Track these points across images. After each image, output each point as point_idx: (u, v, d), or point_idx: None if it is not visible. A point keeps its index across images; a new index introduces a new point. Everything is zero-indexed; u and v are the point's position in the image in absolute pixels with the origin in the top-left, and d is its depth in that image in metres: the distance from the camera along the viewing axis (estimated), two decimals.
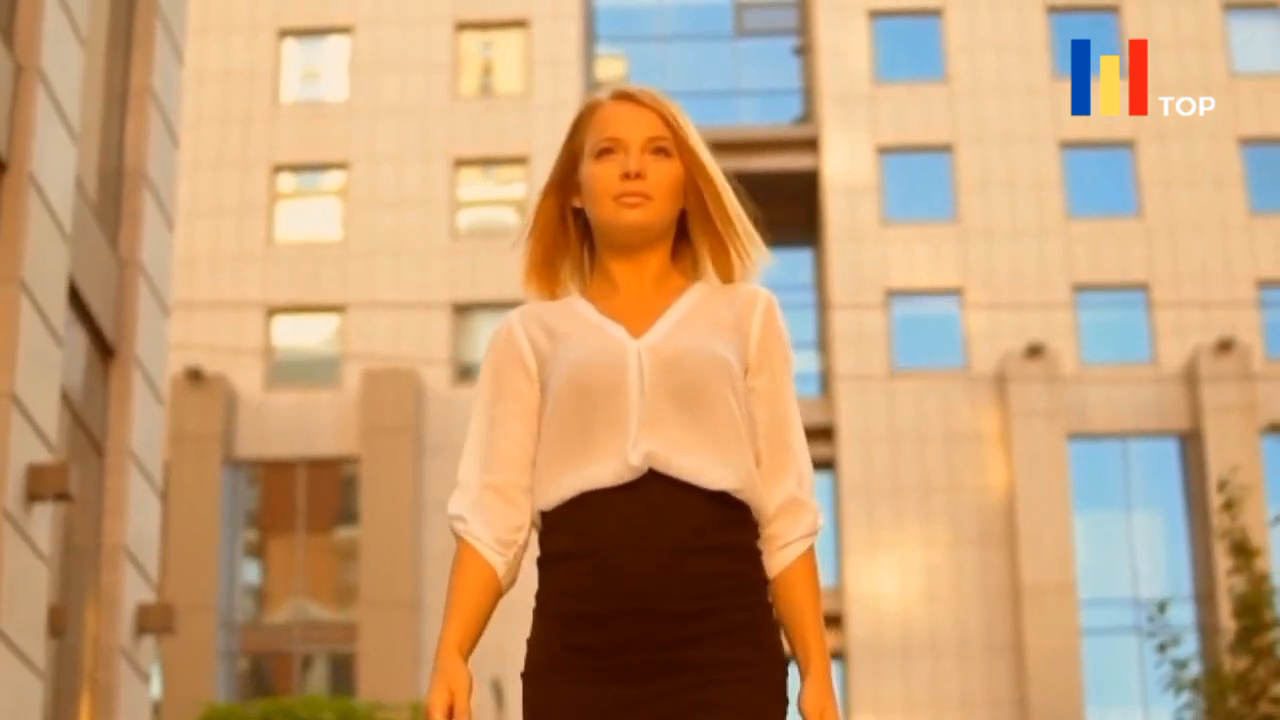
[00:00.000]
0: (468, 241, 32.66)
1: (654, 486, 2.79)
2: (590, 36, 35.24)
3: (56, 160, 11.75)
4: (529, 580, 2.89)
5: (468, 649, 2.80)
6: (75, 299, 12.67)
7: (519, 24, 34.19)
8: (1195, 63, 32.84)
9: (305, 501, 31.73)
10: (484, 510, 2.88)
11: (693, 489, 2.79)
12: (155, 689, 27.34)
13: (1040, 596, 30.04)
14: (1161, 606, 17.42)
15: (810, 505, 2.93)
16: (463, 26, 34.18)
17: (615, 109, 2.98)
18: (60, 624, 12.61)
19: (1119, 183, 32.96)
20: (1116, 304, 32.19)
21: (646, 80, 34.84)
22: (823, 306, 33.07)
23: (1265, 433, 16.49)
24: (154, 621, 13.92)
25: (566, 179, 3.03)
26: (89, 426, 13.33)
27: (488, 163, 33.72)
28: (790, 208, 32.47)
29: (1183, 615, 28.94)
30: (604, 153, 2.95)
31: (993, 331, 31.88)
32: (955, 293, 32.44)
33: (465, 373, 31.99)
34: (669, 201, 2.95)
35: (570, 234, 3.05)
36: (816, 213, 33.27)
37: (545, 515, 2.86)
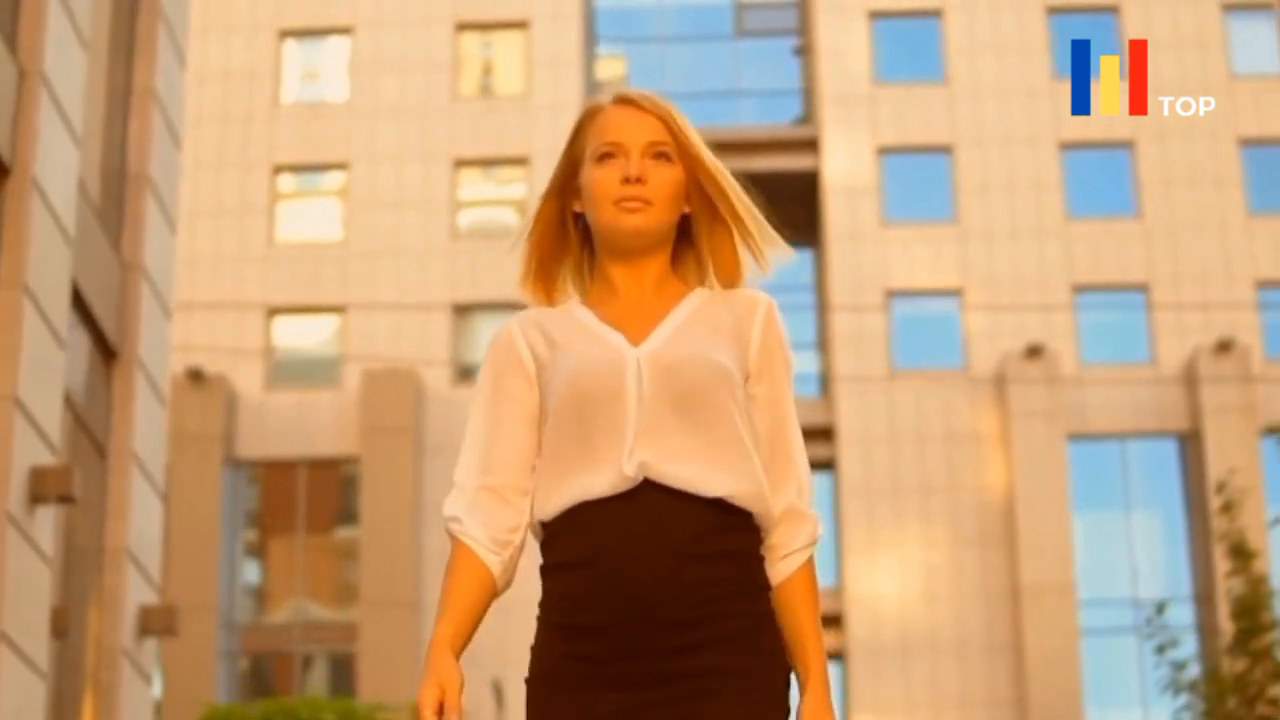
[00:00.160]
0: (468, 242, 32.70)
1: (650, 496, 2.77)
2: (590, 37, 35.27)
3: (59, 164, 11.79)
4: (527, 580, 2.90)
5: (460, 646, 2.79)
6: (78, 301, 12.71)
7: (519, 24, 34.22)
8: (1195, 63, 32.88)
9: (305, 502, 31.77)
10: (480, 511, 2.87)
11: (690, 497, 2.78)
12: (156, 689, 27.38)
13: (1040, 597, 30.08)
14: (1160, 608, 17.45)
15: (810, 515, 2.92)
16: (463, 27, 34.21)
17: (616, 114, 2.98)
18: (63, 625, 12.65)
19: (1118, 184, 32.99)
20: (1116, 305, 32.22)
21: (646, 81, 34.89)
22: (822, 307, 33.11)
23: (1265, 434, 16.47)
24: (156, 623, 13.96)
25: (567, 184, 3.02)
26: (91, 428, 13.37)
27: (488, 163, 33.75)
28: (790, 208, 32.49)
29: (1182, 616, 28.99)
30: (604, 157, 2.94)
31: (992, 332, 31.91)
32: (955, 293, 32.48)
33: (465, 373, 32.02)
34: (669, 207, 2.94)
35: (570, 239, 3.04)
36: (816, 213, 33.30)
37: (545, 525, 2.85)
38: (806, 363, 31.99)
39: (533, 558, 2.91)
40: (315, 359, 32.74)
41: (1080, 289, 32.33)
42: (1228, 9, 33.58)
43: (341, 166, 33.44)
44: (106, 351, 13.63)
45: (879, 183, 33.19)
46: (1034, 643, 29.84)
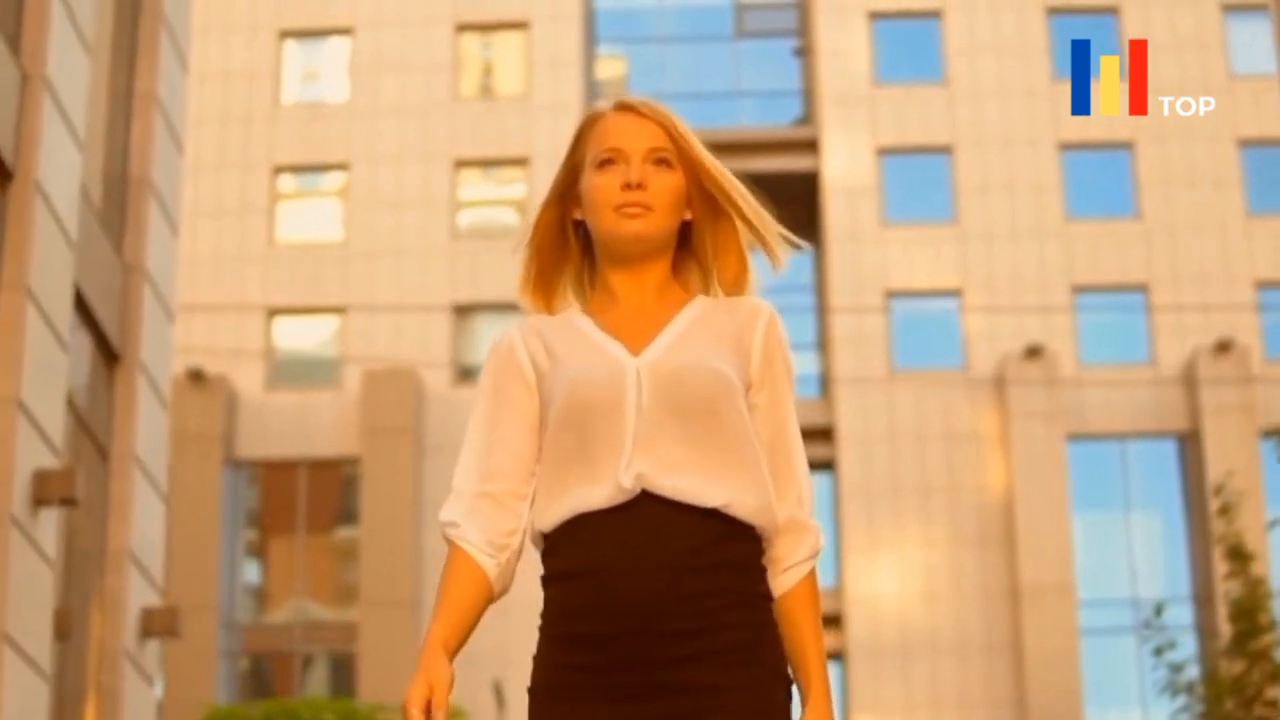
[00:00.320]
0: (468, 242, 32.73)
1: (648, 507, 2.77)
2: (590, 38, 35.30)
3: (62, 168, 11.83)
4: (526, 582, 2.92)
5: (454, 647, 2.78)
6: (80, 305, 12.74)
7: (519, 25, 34.24)
8: (1194, 64, 32.91)
9: (306, 502, 31.80)
10: (477, 516, 2.87)
11: (689, 508, 2.76)
12: (156, 689, 27.40)
13: (1039, 597, 30.12)
14: (1158, 610, 17.48)
15: (812, 526, 2.91)
16: (463, 27, 34.23)
17: (616, 120, 2.97)
18: (65, 627, 12.69)
19: (1118, 184, 33.02)
20: (1115, 305, 32.25)
21: (646, 81, 34.94)
22: (822, 308, 33.14)
23: (1264, 435, 16.51)
24: (158, 625, 14.00)
25: (567, 191, 3.01)
26: (94, 431, 13.41)
27: (488, 164, 33.77)
28: (790, 209, 32.07)
29: (1181, 616, 29.03)
30: (605, 164, 2.93)
31: (992, 332, 31.94)
32: (955, 294, 32.51)
33: (465, 373, 32.06)
34: (670, 213, 2.93)
35: (570, 247, 3.03)
36: (816, 214, 33.33)
37: (546, 536, 2.85)
38: (806, 363, 32.02)
39: (532, 561, 2.92)
40: (315, 359, 32.77)
41: (1080, 289, 32.37)
42: (1227, 9, 33.61)
43: (342, 167, 33.48)
44: (109, 354, 13.67)
45: (879, 183, 33.23)
46: (1033, 643, 29.88)
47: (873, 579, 30.85)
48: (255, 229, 32.89)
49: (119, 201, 13.86)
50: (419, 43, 33.81)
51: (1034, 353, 31.22)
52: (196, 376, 30.55)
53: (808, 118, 34.48)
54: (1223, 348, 30.89)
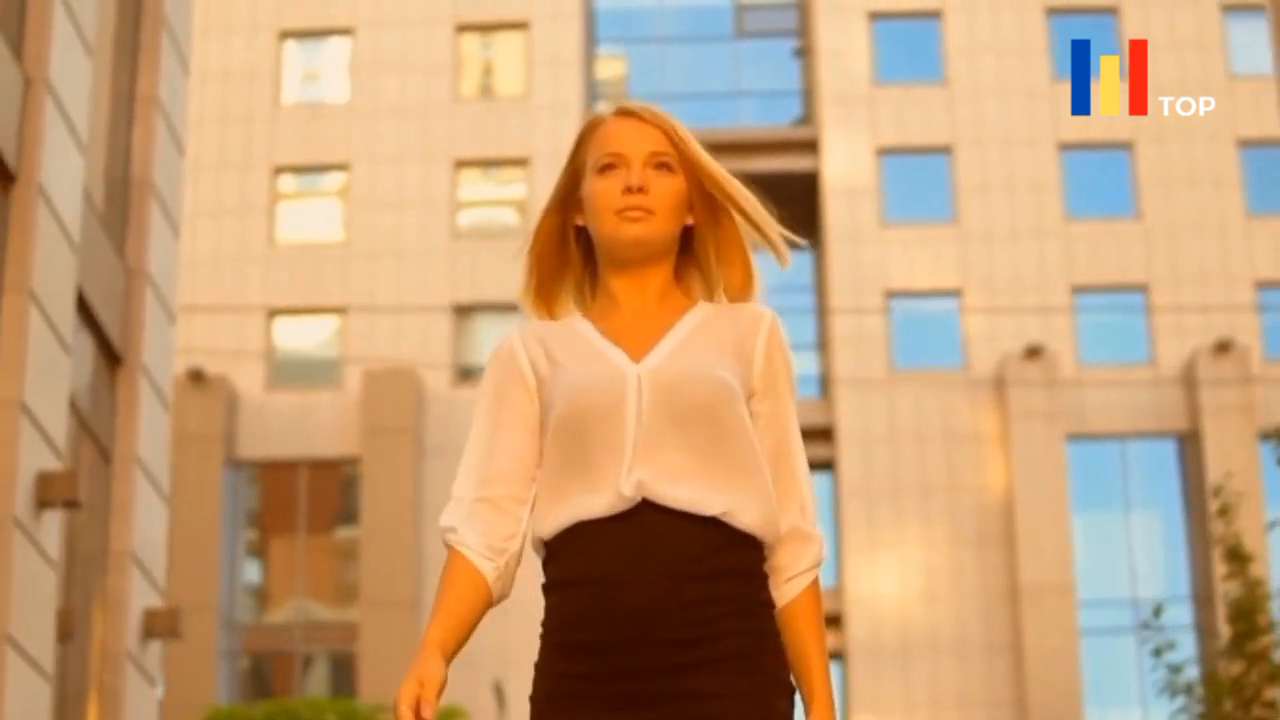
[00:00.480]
0: (468, 242, 32.75)
1: (648, 516, 2.76)
2: (590, 38, 35.32)
3: (65, 171, 11.86)
4: (527, 583, 2.91)
5: (450, 648, 2.77)
6: (83, 308, 12.78)
7: (519, 25, 34.26)
8: (1194, 64, 32.93)
9: (306, 502, 31.83)
10: (476, 521, 2.86)
11: (689, 516, 2.76)
12: (158, 689, 27.43)
13: (1039, 597, 30.14)
14: (1156, 611, 17.51)
15: (815, 536, 2.90)
16: (463, 28, 34.26)
17: (617, 125, 2.96)
18: (68, 628, 12.73)
19: (1117, 184, 33.05)
20: (1115, 305, 32.28)
21: (647, 82, 34.97)
22: (822, 308, 33.17)
23: (1263, 436, 16.51)
24: (160, 626, 14.04)
25: (569, 197, 3.01)
26: (96, 433, 13.44)
27: (488, 164, 33.80)
28: (790, 209, 32.01)
29: (1181, 616, 29.06)
30: (606, 168, 2.92)
31: (992, 333, 31.97)
32: (954, 294, 32.54)
33: (466, 373, 32.08)
34: (671, 217, 2.93)
35: (571, 253, 3.03)
36: (816, 214, 33.35)
37: (546, 543, 2.84)
38: (806, 363, 32.04)
39: (533, 563, 2.92)
40: (316, 360, 32.79)
41: (1079, 290, 32.39)
42: (1226, 10, 33.63)
43: (342, 167, 33.50)
44: (111, 356, 13.71)
45: (878, 183, 33.25)
46: (1033, 643, 29.91)
47: (873, 579, 30.88)
48: (255, 229, 32.92)
49: (121, 204, 13.89)
50: (419, 43, 33.83)
51: (1034, 353, 31.25)
52: (197, 377, 30.58)
53: (808, 118, 34.50)
54: (1222, 348, 30.92)
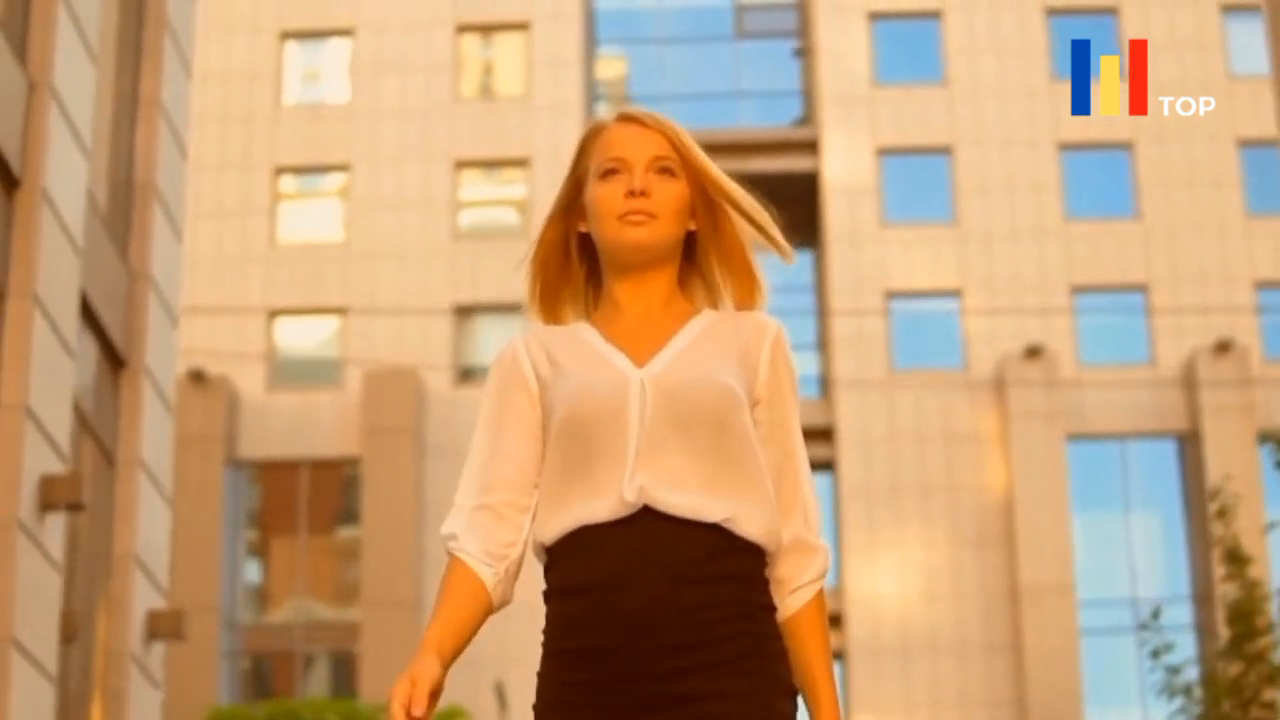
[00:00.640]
0: (469, 243, 32.78)
1: (649, 522, 2.75)
2: (591, 38, 35.35)
3: (68, 175, 11.90)
4: (528, 584, 2.92)
5: (447, 651, 2.76)
6: (86, 310, 12.82)
7: (519, 26, 34.29)
8: (1193, 64, 32.95)
9: (307, 502, 31.86)
10: (476, 528, 2.86)
11: (690, 522, 2.75)
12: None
13: (1039, 597, 30.18)
14: (1155, 613, 17.56)
15: (819, 546, 2.90)
16: (463, 28, 34.28)
17: (619, 131, 2.96)
18: (71, 630, 12.77)
19: (1117, 185, 33.07)
20: (1115, 306, 32.31)
21: (647, 82, 35.01)
22: (822, 308, 33.20)
23: (1261, 439, 16.56)
24: (163, 628, 14.07)
25: (572, 205, 3.01)
26: (99, 436, 13.48)
27: (489, 164, 33.83)
28: (790, 209, 32.08)
29: (1181, 615, 29.11)
30: (608, 173, 2.93)
31: (991, 333, 32.00)
32: (954, 294, 32.57)
33: (466, 374, 32.12)
34: (674, 221, 2.92)
35: (575, 261, 3.02)
36: (816, 215, 33.39)
37: (548, 549, 2.84)
38: (807, 364, 32.06)
39: (535, 565, 2.93)
40: (317, 360, 32.83)
41: (1079, 290, 32.42)
42: (1226, 10, 33.66)
43: (342, 168, 33.53)
44: (114, 359, 13.75)
45: (878, 184, 33.29)
46: (1033, 643, 29.94)
47: (873, 579, 30.91)
48: (256, 230, 32.95)
49: (124, 207, 13.93)
50: (419, 43, 33.86)
51: (1034, 353, 31.28)
52: (198, 377, 30.60)
53: (807, 118, 34.54)
54: (1222, 348, 30.95)
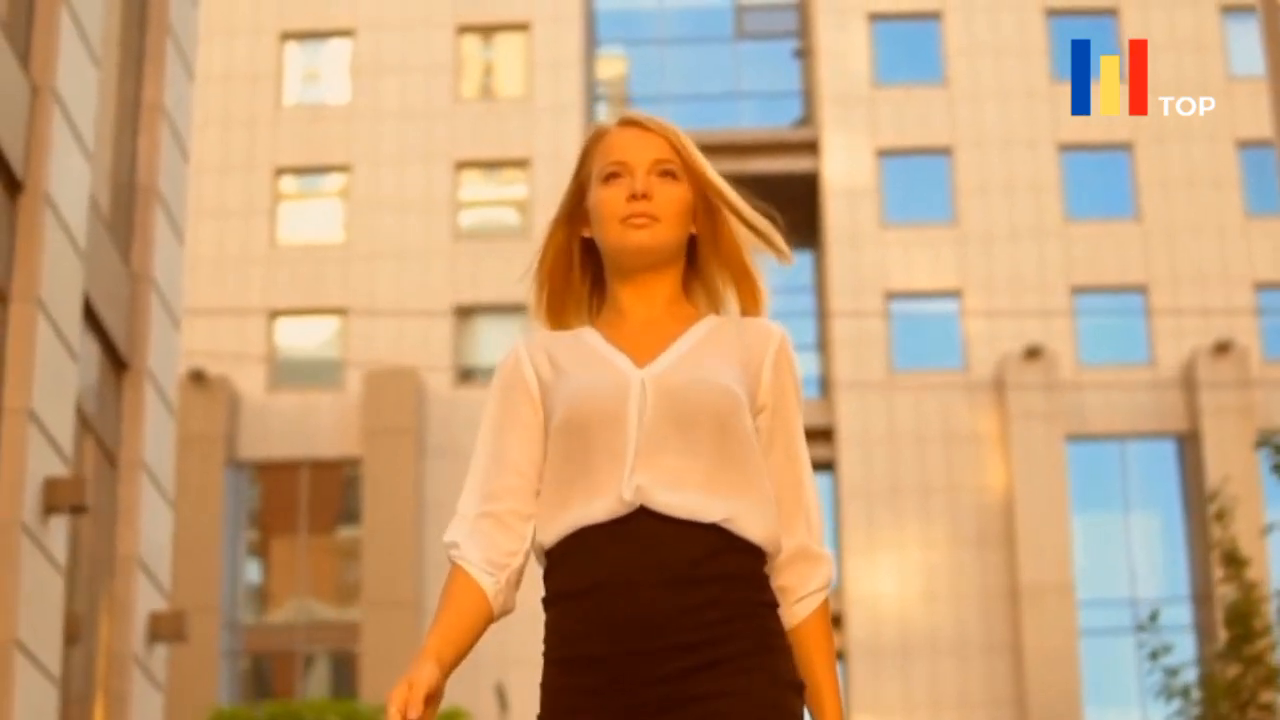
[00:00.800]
0: (469, 244, 32.81)
1: (647, 522, 2.76)
2: (591, 39, 35.38)
3: (71, 178, 11.94)
4: (530, 586, 2.92)
5: (447, 658, 2.76)
6: (89, 313, 12.86)
7: (520, 27, 34.32)
8: (1193, 65, 32.98)
9: (307, 502, 31.89)
10: (478, 536, 2.86)
11: (689, 523, 2.75)
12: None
13: (1039, 597, 30.22)
14: (1153, 616, 17.60)
15: (824, 556, 2.90)
16: (464, 29, 34.30)
17: (621, 135, 2.98)
18: (74, 632, 12.81)
19: (1117, 185, 33.10)
20: (1114, 306, 32.34)
21: (647, 83, 35.05)
22: (822, 309, 33.24)
23: (1258, 444, 16.58)
24: (166, 629, 14.11)
25: (576, 210, 3.01)
26: (102, 438, 13.53)
27: (489, 165, 33.85)
28: (790, 210, 32.02)
29: (1180, 616, 29.14)
30: (611, 177, 2.93)
31: (991, 333, 32.03)
32: (954, 295, 32.60)
33: (467, 375, 32.15)
34: (677, 223, 2.93)
35: (580, 266, 3.03)
36: (816, 215, 33.42)
37: (548, 553, 2.85)
38: (807, 365, 32.08)
39: (535, 566, 2.94)
40: (317, 361, 32.85)
41: (1079, 291, 32.45)
42: (1225, 11, 33.67)
43: (343, 168, 33.56)
44: (117, 362, 13.79)
45: (878, 184, 33.32)
46: (1033, 643, 29.98)
47: (873, 579, 30.95)
48: (257, 230, 32.97)
49: (126, 211, 13.98)
50: (420, 44, 33.89)
51: (1033, 354, 31.31)
52: (198, 378, 30.63)
53: (807, 119, 34.56)
54: (1221, 349, 30.98)
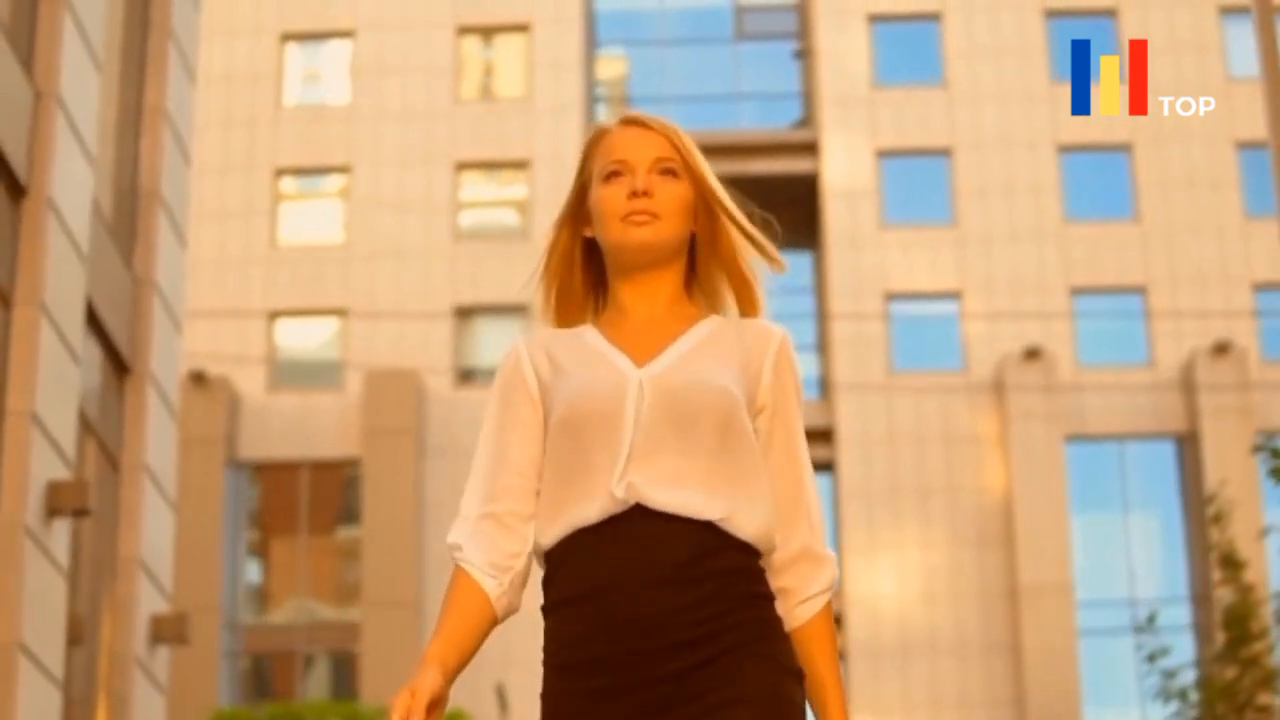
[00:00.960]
0: (469, 244, 32.84)
1: (642, 521, 2.76)
2: (591, 40, 35.40)
3: (74, 183, 11.99)
4: (532, 586, 2.93)
5: (450, 664, 2.76)
6: (91, 317, 12.90)
7: (520, 28, 34.34)
8: (1192, 66, 33.01)
9: (307, 502, 31.92)
10: (480, 538, 2.86)
11: (684, 521, 2.75)
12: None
13: (1038, 597, 30.26)
14: (1150, 618, 17.64)
15: (827, 557, 2.90)
16: (464, 30, 34.33)
17: (622, 134, 2.98)
18: (77, 634, 12.86)
19: (1116, 186, 33.13)
20: (1114, 307, 32.37)
21: (647, 84, 35.08)
22: (822, 310, 33.27)
23: (1255, 449, 16.61)
24: (168, 631, 14.16)
25: (578, 210, 3.02)
26: (104, 441, 13.57)
27: (489, 166, 33.88)
28: (789, 211, 32.60)
29: (1179, 616, 29.18)
30: (612, 175, 2.94)
31: (991, 334, 32.07)
32: (954, 296, 32.63)
33: (466, 375, 32.18)
34: (678, 221, 2.93)
35: (579, 266, 3.03)
36: (816, 216, 33.46)
37: (547, 556, 2.85)
38: (806, 366, 32.10)
39: (536, 567, 2.94)
40: (317, 361, 32.89)
41: (1078, 292, 32.49)
42: (1224, 12, 33.70)
43: (343, 169, 33.58)
44: (119, 365, 13.83)
45: (878, 185, 33.35)
46: (1032, 643, 30.02)
47: (872, 580, 30.98)
48: (257, 231, 33.00)
49: (129, 215, 14.03)
50: (420, 45, 33.92)
51: (1033, 355, 31.35)
52: (199, 378, 30.66)
53: (807, 120, 34.60)
54: (1220, 350, 31.02)
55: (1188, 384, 31.32)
